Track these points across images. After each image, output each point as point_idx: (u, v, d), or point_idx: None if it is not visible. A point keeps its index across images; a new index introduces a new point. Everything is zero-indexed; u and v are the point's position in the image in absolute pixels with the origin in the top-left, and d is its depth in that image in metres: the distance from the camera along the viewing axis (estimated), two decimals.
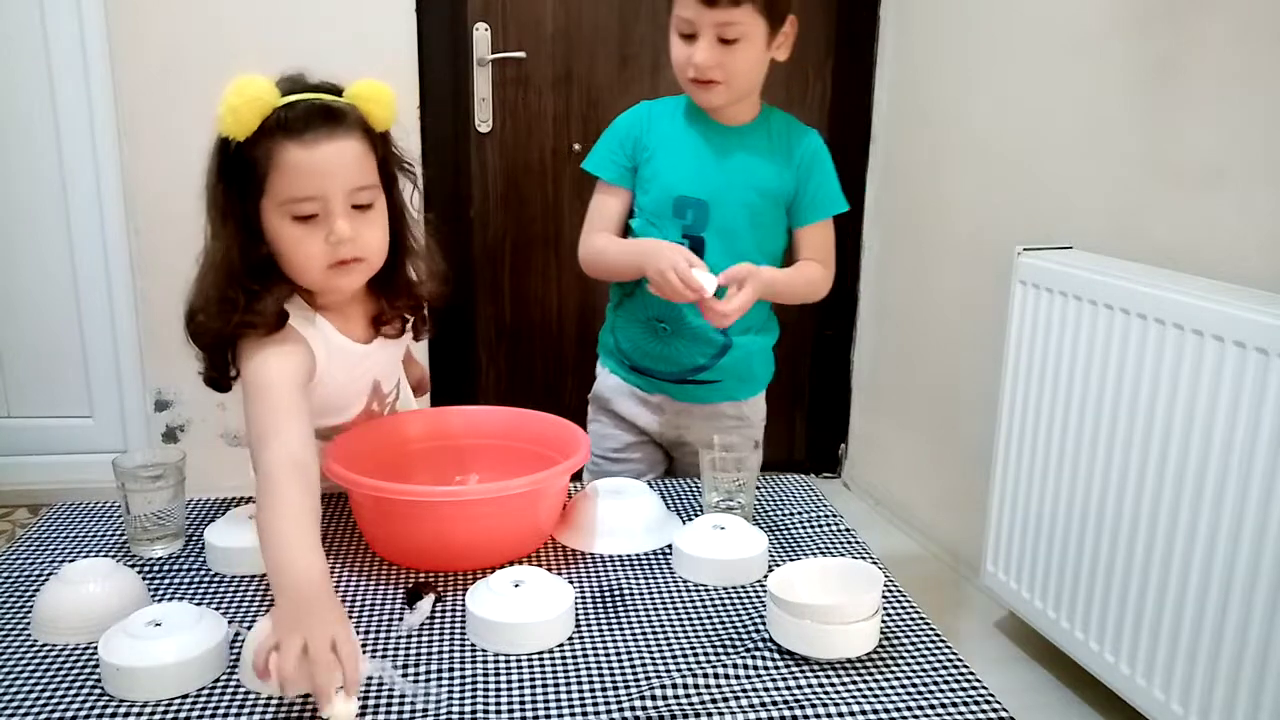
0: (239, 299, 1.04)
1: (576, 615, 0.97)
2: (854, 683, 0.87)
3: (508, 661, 0.90)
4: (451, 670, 0.89)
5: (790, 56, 1.39)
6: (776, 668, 0.89)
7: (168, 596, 1.01)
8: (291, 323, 1.07)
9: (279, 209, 1.05)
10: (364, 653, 0.89)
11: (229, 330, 1.04)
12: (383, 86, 1.11)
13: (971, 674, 0.90)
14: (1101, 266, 1.57)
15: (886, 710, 0.84)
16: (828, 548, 1.14)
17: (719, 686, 0.86)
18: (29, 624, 0.95)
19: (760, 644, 0.92)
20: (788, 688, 0.86)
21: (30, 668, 0.89)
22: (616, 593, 1.02)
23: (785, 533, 1.18)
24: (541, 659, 0.90)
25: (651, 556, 1.11)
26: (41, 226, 2.31)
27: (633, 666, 0.89)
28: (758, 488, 1.27)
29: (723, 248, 1.38)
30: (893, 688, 0.87)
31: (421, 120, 2.26)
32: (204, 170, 1.07)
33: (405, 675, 0.88)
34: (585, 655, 0.91)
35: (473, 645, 0.92)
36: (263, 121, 1.02)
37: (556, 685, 0.87)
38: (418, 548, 1.07)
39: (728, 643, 0.93)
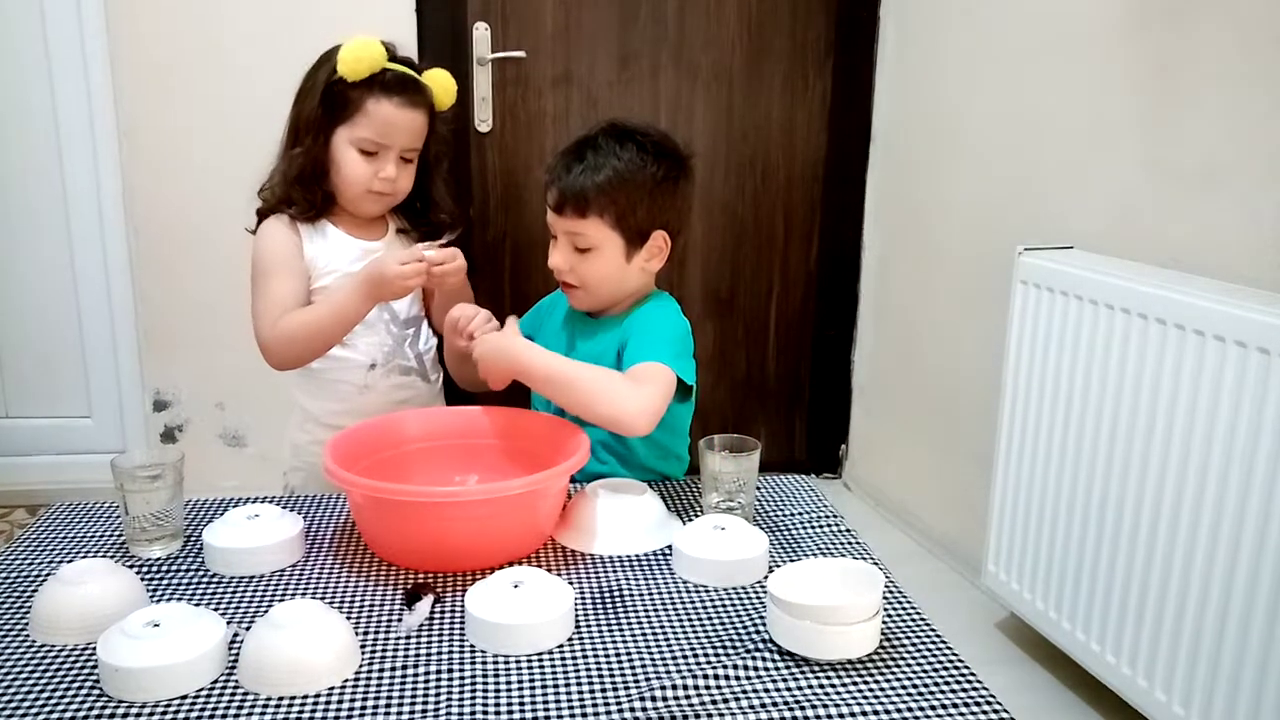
0: (291, 183, 1.43)
1: (576, 616, 0.97)
2: (854, 684, 0.87)
3: (507, 662, 0.90)
4: (451, 671, 0.88)
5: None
6: (777, 668, 0.89)
7: (166, 597, 1.01)
8: (299, 224, 1.45)
9: (351, 139, 1.41)
10: (365, 641, 0.90)
11: (273, 200, 1.45)
12: (448, 76, 1.50)
13: (972, 674, 0.90)
14: (1102, 266, 1.56)
15: (887, 711, 0.84)
16: (828, 548, 1.14)
17: (719, 687, 0.86)
18: (28, 624, 0.95)
19: (761, 645, 0.92)
20: (788, 688, 0.86)
21: (29, 668, 0.88)
22: (616, 593, 1.02)
23: (785, 533, 1.18)
24: (541, 660, 0.90)
25: (651, 557, 1.11)
26: (41, 226, 2.31)
27: (633, 667, 0.89)
28: (758, 488, 1.27)
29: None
30: (893, 688, 0.87)
31: None
32: (296, 93, 1.44)
33: (405, 676, 0.88)
34: (585, 656, 0.91)
35: (472, 646, 0.92)
36: (370, 74, 1.39)
37: (556, 686, 0.86)
38: (417, 548, 1.07)
39: (728, 643, 0.93)
